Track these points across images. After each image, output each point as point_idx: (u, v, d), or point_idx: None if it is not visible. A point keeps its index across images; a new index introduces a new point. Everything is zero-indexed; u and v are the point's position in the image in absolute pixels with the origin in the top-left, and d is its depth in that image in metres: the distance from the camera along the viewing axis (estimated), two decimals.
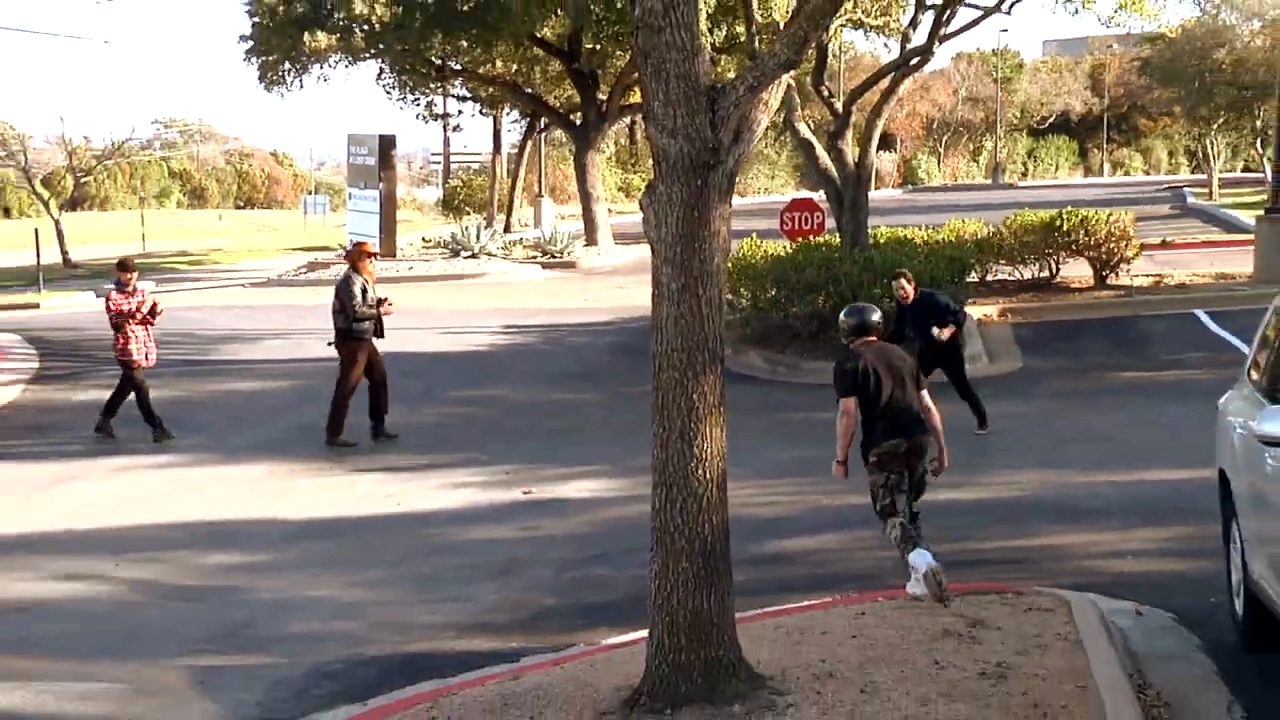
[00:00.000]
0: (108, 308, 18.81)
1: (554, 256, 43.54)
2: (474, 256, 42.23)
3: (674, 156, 7.86)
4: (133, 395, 18.79)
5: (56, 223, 65.65)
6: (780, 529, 12.61)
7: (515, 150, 65.98)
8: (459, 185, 73.12)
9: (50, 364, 25.00)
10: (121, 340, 18.73)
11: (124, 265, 19.39)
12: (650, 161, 8.08)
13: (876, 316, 10.63)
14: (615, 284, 33.29)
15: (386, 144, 45.09)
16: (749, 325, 23.06)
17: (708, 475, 7.93)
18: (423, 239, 50.56)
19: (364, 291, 17.76)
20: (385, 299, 18.05)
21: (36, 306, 37.69)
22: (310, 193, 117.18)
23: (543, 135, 62.70)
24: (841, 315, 10.86)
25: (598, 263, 43.30)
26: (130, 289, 18.84)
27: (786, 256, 23.75)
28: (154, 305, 18.96)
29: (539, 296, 30.53)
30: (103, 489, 16.08)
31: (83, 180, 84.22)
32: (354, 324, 17.77)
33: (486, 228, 49.50)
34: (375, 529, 13.97)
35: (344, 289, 17.82)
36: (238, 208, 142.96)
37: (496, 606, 11.22)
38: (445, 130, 66.75)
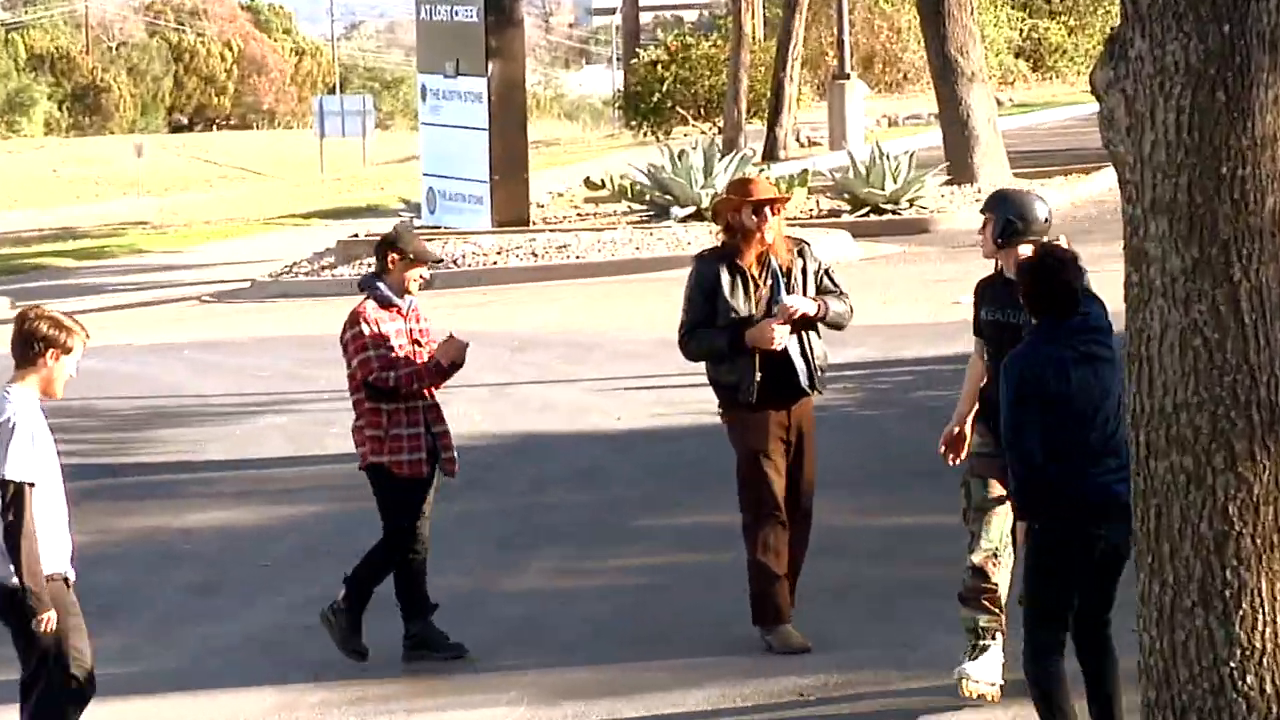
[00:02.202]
0: (356, 342, 9.52)
1: (878, 208, 25.34)
2: (699, 217, 23.72)
3: None
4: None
5: None
6: None
7: None
8: (653, 65, 42.09)
9: None
10: (373, 419, 9.80)
11: (393, 245, 10.08)
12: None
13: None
14: None
15: None
16: None
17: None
18: (586, 182, 29.05)
19: (731, 287, 9.47)
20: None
21: None
22: (330, 91, 68.12)
23: None
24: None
25: (975, 218, 21.98)
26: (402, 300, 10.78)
27: None
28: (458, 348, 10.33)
29: (849, 295, 12.14)
30: None
31: None
32: (713, 367, 9.85)
33: (725, 155, 27.88)
34: None
35: (690, 286, 10.04)
36: (175, 129, 77.73)
37: None
38: None
